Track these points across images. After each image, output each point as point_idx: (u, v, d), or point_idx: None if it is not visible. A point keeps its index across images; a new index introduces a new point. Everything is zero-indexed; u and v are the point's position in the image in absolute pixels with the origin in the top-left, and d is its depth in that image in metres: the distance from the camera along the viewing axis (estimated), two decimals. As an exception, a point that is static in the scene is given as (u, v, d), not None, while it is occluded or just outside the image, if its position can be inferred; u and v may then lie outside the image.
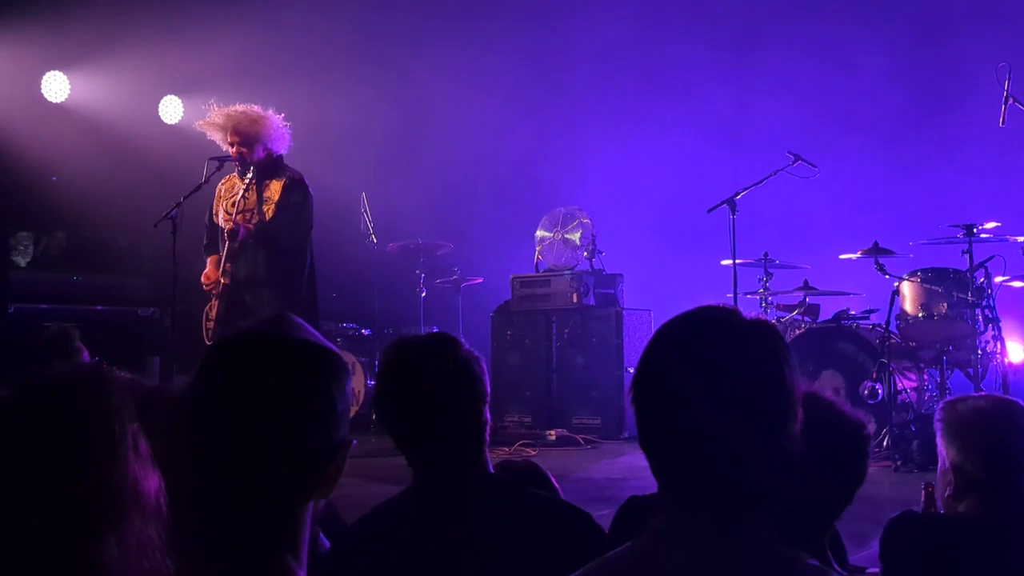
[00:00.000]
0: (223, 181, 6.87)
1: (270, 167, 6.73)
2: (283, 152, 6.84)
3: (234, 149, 6.66)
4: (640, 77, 10.29)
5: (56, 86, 9.62)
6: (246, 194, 6.70)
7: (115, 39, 9.45)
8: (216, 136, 6.77)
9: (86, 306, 8.61)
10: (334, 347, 1.57)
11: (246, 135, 6.64)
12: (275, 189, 6.64)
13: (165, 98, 10.33)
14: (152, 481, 1.49)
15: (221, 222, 6.73)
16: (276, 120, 6.76)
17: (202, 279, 6.77)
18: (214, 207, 6.84)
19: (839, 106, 9.64)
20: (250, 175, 6.67)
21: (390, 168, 10.33)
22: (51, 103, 9.59)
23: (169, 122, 10.31)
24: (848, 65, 9.68)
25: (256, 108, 6.78)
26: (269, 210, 6.61)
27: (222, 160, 6.76)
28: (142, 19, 9.45)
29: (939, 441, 2.61)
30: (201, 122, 6.83)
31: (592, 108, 10.63)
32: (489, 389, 2.43)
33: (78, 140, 9.46)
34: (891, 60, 9.49)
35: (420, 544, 2.29)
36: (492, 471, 2.45)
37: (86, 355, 4.35)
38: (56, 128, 9.39)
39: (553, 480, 2.77)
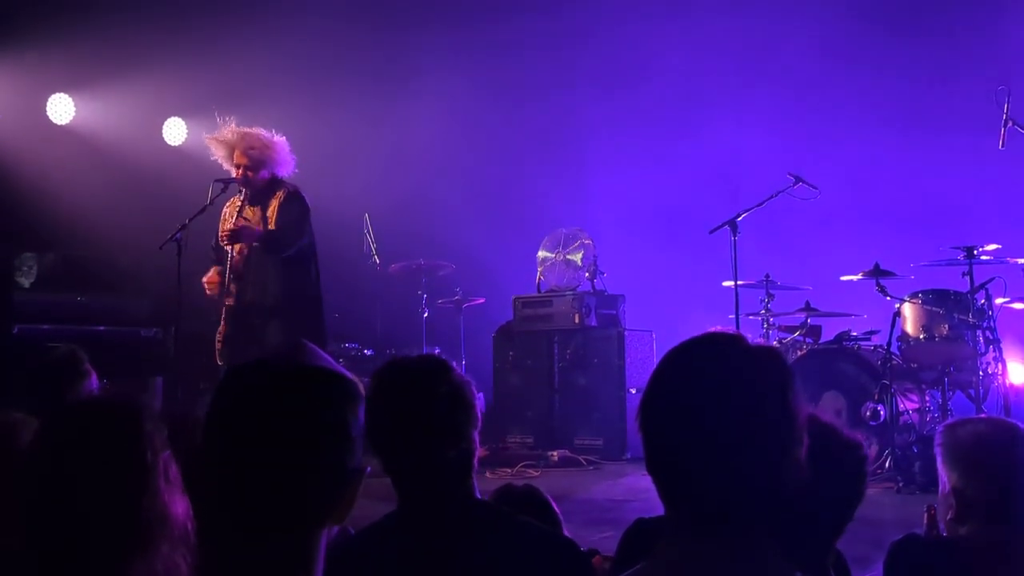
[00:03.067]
0: (227, 204, 6.90)
1: (270, 188, 6.78)
2: (287, 174, 6.89)
3: (240, 171, 6.70)
4: (642, 98, 10.34)
5: (61, 108, 9.67)
6: (246, 212, 6.74)
7: (120, 62, 9.51)
8: (220, 153, 6.79)
9: (89, 326, 8.63)
10: (348, 373, 1.60)
11: (255, 159, 6.68)
12: (274, 205, 6.69)
13: (169, 120, 10.40)
14: (180, 507, 1.52)
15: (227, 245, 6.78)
16: (284, 146, 6.81)
17: (204, 279, 6.75)
18: (220, 228, 6.88)
19: (837, 128, 9.68)
20: (249, 195, 6.74)
21: (392, 189, 10.37)
22: (56, 125, 9.64)
23: (173, 144, 10.37)
24: (845, 88, 9.75)
25: (266, 132, 6.84)
26: (270, 223, 6.65)
27: (227, 182, 6.79)
28: (146, 42, 9.50)
29: (939, 465, 2.64)
30: (210, 136, 6.86)
31: (594, 128, 10.68)
32: (480, 414, 2.44)
33: (83, 161, 9.51)
34: (891, 80, 9.55)
35: (404, 569, 2.29)
36: (479, 496, 2.45)
37: (94, 378, 4.35)
38: (61, 149, 9.44)
39: (554, 505, 2.79)
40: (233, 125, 6.82)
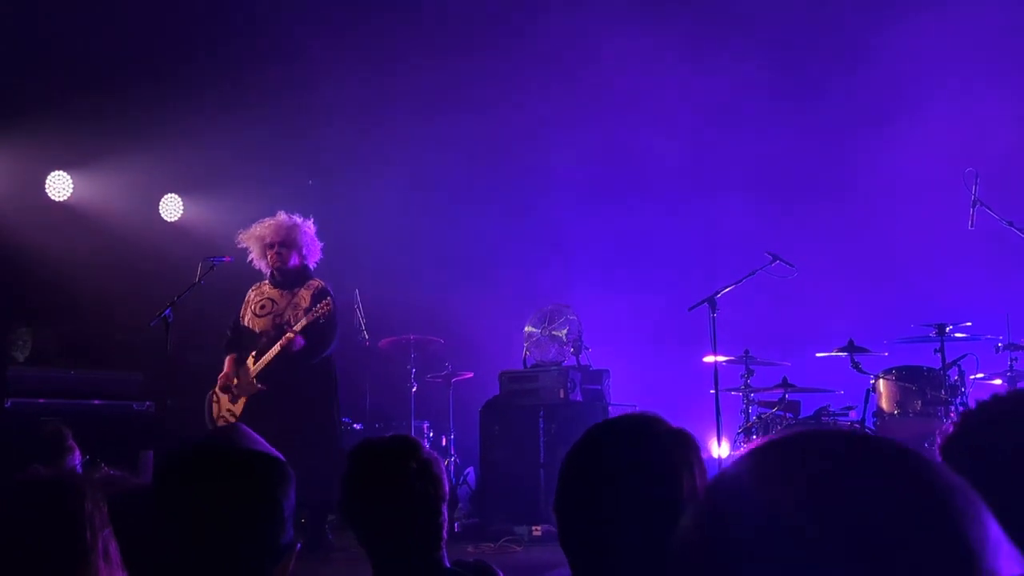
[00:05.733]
0: (254, 288, 7.18)
1: (299, 275, 7.04)
2: (313, 264, 7.16)
3: (273, 250, 6.97)
4: (619, 176, 10.59)
5: (59, 185, 9.87)
6: (275, 299, 6.98)
7: (117, 139, 9.73)
8: (255, 248, 7.08)
9: (83, 400, 8.74)
10: (280, 456, 1.74)
11: (286, 238, 6.99)
12: (304, 296, 6.93)
13: (165, 196, 10.61)
14: None
15: (250, 323, 7.02)
16: (311, 229, 7.13)
17: (220, 378, 7.02)
18: (242, 310, 7.14)
19: (813, 207, 9.90)
20: (280, 281, 6.99)
21: (383, 265, 10.56)
22: (54, 201, 9.84)
23: (169, 220, 10.57)
24: (829, 164, 9.98)
25: (296, 216, 7.16)
26: (298, 316, 6.88)
27: (217, 261, 7.02)
28: (143, 119, 9.74)
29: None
30: (244, 234, 7.15)
31: (578, 204, 10.88)
32: (447, 489, 2.61)
33: (80, 237, 9.69)
34: (864, 161, 9.78)
35: None
36: (449, 567, 2.60)
37: (78, 454, 4.49)
38: (58, 225, 9.63)
39: None
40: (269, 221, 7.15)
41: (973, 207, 7.21)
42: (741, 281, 8.02)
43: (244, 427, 1.74)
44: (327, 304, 6.86)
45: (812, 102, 9.84)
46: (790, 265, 8.00)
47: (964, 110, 9.05)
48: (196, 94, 9.82)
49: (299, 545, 1.70)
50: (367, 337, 9.77)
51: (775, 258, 8.00)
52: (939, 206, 8.56)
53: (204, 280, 7.06)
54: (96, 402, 8.83)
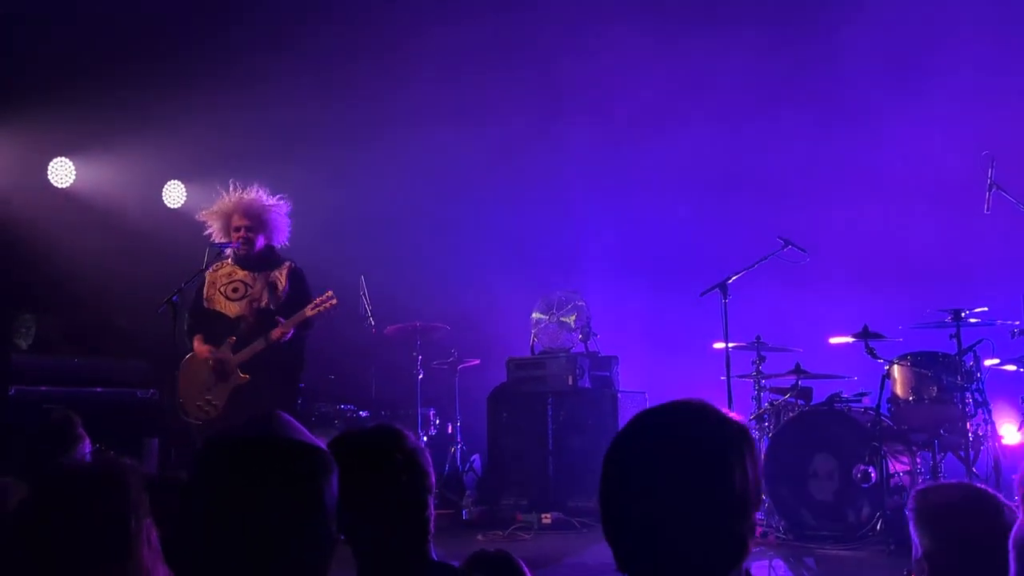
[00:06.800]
0: (215, 267, 6.99)
1: (268, 256, 6.89)
2: (280, 244, 7.01)
3: (240, 232, 6.82)
4: (635, 159, 10.49)
5: (62, 172, 9.80)
6: (247, 282, 6.84)
7: (120, 125, 9.66)
8: (216, 224, 6.93)
9: (86, 388, 8.67)
10: (321, 444, 1.66)
11: (256, 218, 6.83)
12: (279, 277, 6.79)
13: (168, 183, 10.53)
14: (161, 573, 1.57)
15: (224, 308, 6.87)
16: (282, 210, 6.96)
17: (201, 355, 6.86)
18: (206, 292, 6.96)
19: (827, 190, 9.81)
20: (247, 262, 6.86)
21: (389, 251, 10.48)
22: (57, 188, 9.77)
23: (172, 206, 10.49)
24: (839, 148, 9.89)
25: (265, 195, 6.98)
26: (278, 297, 6.74)
27: (223, 247, 6.90)
28: (146, 106, 9.66)
29: (912, 530, 2.68)
30: (206, 211, 7.00)
31: (586, 190, 10.81)
32: (434, 480, 2.51)
33: (82, 224, 9.62)
34: (880, 146, 9.69)
35: None
36: (435, 559, 2.51)
37: (87, 442, 4.40)
38: (61, 212, 9.56)
39: (526, 571, 2.83)
40: (231, 191, 6.97)
41: (989, 191, 7.14)
42: (753, 266, 7.95)
43: (285, 415, 1.66)
44: (331, 299, 6.71)
45: (825, 84, 9.74)
46: (802, 250, 7.93)
47: (981, 90, 8.96)
48: (199, 80, 9.72)
49: (342, 536, 1.62)
50: (373, 324, 9.70)
51: (787, 243, 7.93)
52: (955, 189, 8.48)
53: (210, 267, 6.96)
54: (99, 390, 8.76)
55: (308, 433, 1.65)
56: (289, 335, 6.67)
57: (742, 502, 1.67)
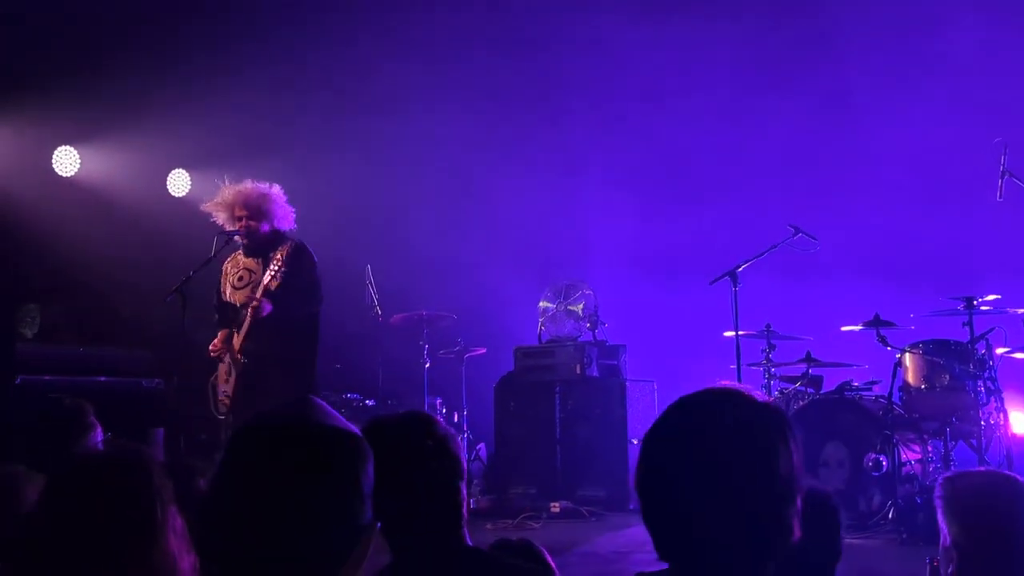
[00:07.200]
0: (229, 260, 6.98)
1: (273, 240, 6.85)
2: (286, 228, 6.96)
3: (242, 223, 6.78)
4: (642, 147, 10.45)
5: (67, 160, 9.76)
6: (252, 269, 6.81)
7: (124, 114, 9.61)
8: (222, 215, 6.89)
9: (91, 377, 8.64)
10: (356, 430, 1.62)
11: (255, 208, 6.78)
12: (279, 257, 6.72)
13: (173, 172, 10.49)
14: (187, 561, 1.54)
15: (230, 298, 6.84)
16: (281, 197, 6.91)
17: (210, 347, 6.84)
18: (221, 285, 6.95)
19: (837, 177, 9.77)
20: (253, 249, 6.82)
21: (395, 240, 10.44)
22: (62, 177, 9.73)
23: (177, 195, 10.46)
24: (849, 135, 9.84)
25: (262, 184, 6.93)
26: (276, 277, 6.67)
27: (231, 235, 6.86)
28: (151, 94, 9.61)
29: (940, 518, 2.65)
30: (209, 203, 6.96)
31: (595, 178, 10.76)
32: (465, 466, 2.49)
33: (87, 213, 9.59)
34: (890, 133, 9.64)
35: None
36: (470, 545, 2.49)
37: (99, 431, 4.36)
38: (66, 201, 9.52)
39: (548, 558, 2.80)
40: (227, 183, 6.93)
41: (1002, 178, 7.10)
42: (763, 254, 7.90)
43: (318, 400, 1.62)
44: (280, 260, 6.63)
45: (835, 71, 9.68)
46: (812, 238, 7.88)
47: (994, 76, 8.90)
48: (204, 69, 9.67)
49: (379, 524, 1.59)
50: (379, 313, 9.67)
51: (797, 231, 7.88)
52: (967, 177, 8.44)
53: (219, 254, 6.92)
54: (104, 379, 8.73)
55: (342, 418, 1.61)
56: (267, 309, 6.59)
57: (787, 486, 1.64)
